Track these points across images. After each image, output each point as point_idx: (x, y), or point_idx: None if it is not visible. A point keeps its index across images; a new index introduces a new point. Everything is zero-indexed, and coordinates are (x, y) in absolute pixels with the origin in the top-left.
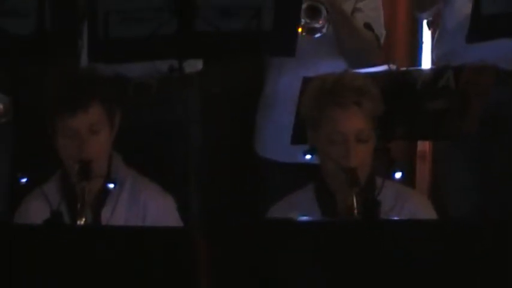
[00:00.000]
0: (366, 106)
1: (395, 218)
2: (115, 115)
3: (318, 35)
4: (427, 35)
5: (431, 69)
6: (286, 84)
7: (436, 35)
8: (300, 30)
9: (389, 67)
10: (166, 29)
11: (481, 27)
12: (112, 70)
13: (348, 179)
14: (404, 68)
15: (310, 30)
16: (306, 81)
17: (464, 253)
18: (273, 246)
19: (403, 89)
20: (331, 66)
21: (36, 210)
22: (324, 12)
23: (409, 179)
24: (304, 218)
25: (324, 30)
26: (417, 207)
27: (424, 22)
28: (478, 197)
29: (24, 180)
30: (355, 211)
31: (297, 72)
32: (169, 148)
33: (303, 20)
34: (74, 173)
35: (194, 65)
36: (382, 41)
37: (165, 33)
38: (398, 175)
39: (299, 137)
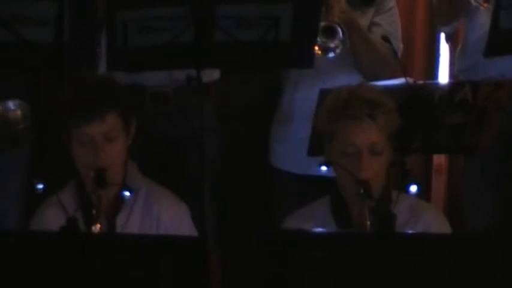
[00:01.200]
0: (380, 119)
1: (410, 232)
2: (131, 123)
3: (331, 55)
4: (444, 48)
5: (448, 83)
6: (302, 97)
7: (458, 49)
8: (316, 48)
9: (406, 80)
10: (184, 39)
11: (499, 42)
12: (129, 79)
13: (361, 192)
14: (421, 82)
15: (325, 50)
16: (323, 93)
17: (480, 268)
18: (287, 257)
19: (420, 103)
20: (348, 79)
21: (52, 217)
22: (340, 33)
23: (425, 192)
24: (319, 230)
25: (338, 50)
26: (432, 221)
27: (442, 35)
28: (494, 211)
29: (41, 186)
30: (368, 224)
31: (314, 86)
32: (184, 157)
33: (319, 39)
34: (90, 180)
35: (211, 75)
36: (399, 54)
37: (183, 43)
38: (413, 188)
39: (315, 148)
